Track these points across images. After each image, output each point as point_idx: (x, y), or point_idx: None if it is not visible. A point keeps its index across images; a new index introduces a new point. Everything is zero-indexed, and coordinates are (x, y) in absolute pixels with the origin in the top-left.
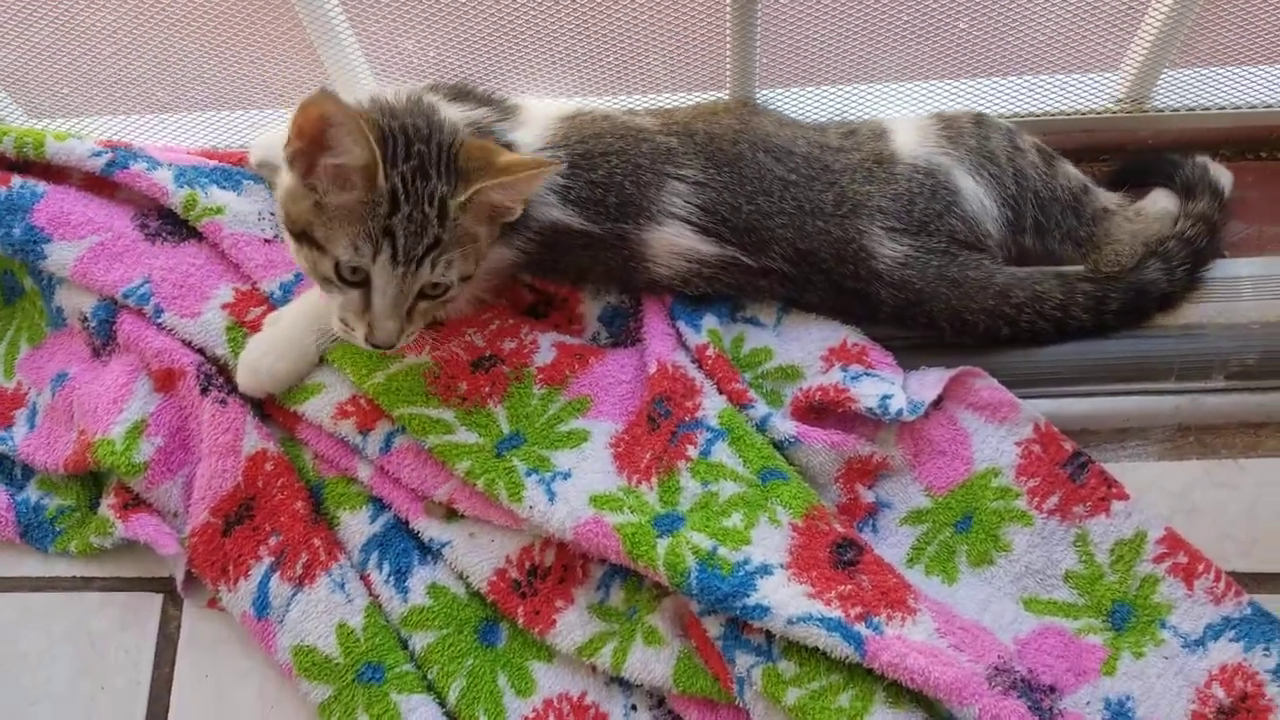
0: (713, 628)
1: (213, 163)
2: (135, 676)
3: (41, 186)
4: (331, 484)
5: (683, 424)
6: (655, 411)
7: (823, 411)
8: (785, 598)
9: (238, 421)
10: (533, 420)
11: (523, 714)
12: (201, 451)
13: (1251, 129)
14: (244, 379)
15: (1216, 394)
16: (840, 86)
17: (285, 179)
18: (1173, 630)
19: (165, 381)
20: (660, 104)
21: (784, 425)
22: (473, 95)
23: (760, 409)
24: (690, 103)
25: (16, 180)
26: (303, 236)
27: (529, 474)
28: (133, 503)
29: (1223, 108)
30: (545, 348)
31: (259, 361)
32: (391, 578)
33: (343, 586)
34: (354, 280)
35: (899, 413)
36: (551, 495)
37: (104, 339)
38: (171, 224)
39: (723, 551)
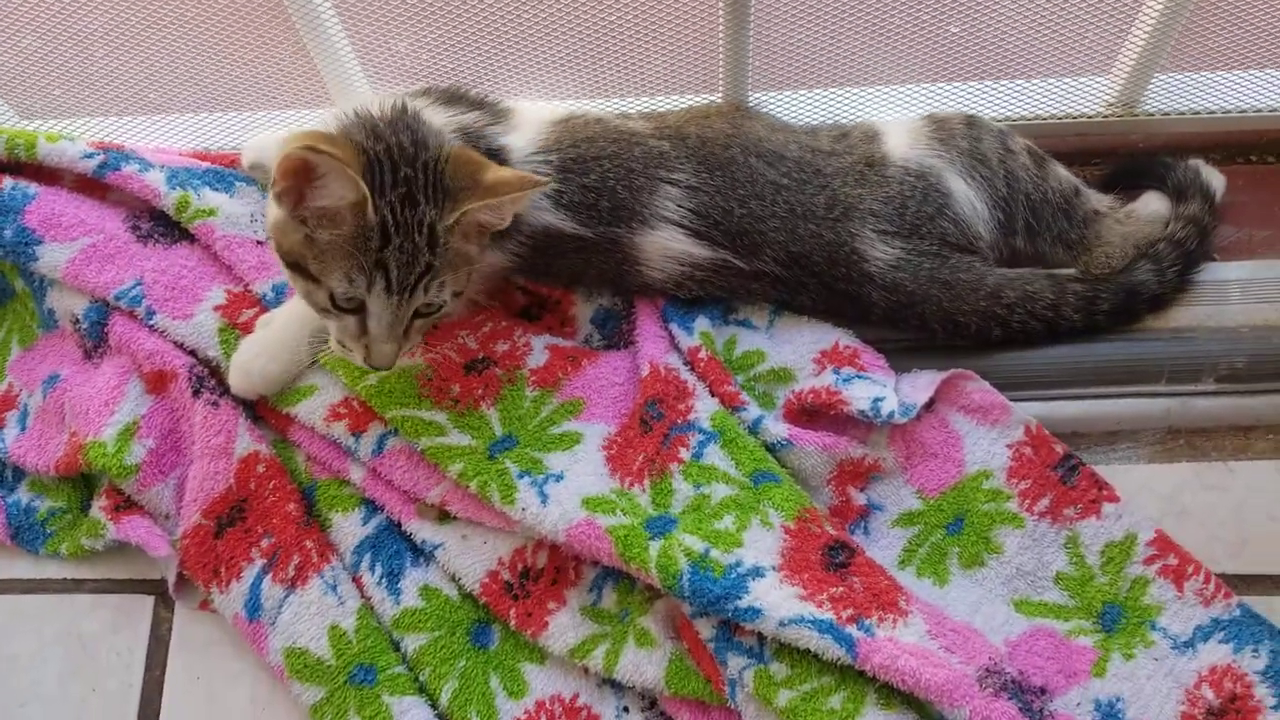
0: (705, 630)
1: (205, 164)
2: (127, 679)
3: (33, 188)
4: (324, 486)
5: (675, 426)
6: (648, 414)
7: (815, 414)
8: (777, 600)
9: (230, 423)
10: (525, 422)
11: (515, 716)
12: (193, 453)
13: (1242, 133)
14: (236, 381)
15: (1206, 397)
16: (833, 89)
17: (274, 211)
18: (1163, 632)
19: (157, 383)
20: (653, 107)
21: (776, 427)
22: (465, 99)
23: (752, 411)
24: (683, 105)
25: (8, 182)
26: (295, 267)
27: (521, 476)
28: (124, 505)
29: (1213, 112)
30: (538, 350)
31: (251, 363)
32: (384, 580)
33: (335, 588)
34: (349, 308)
35: (891, 415)
36: (544, 497)
37: (96, 341)
38: (163, 226)
39: (715, 554)
